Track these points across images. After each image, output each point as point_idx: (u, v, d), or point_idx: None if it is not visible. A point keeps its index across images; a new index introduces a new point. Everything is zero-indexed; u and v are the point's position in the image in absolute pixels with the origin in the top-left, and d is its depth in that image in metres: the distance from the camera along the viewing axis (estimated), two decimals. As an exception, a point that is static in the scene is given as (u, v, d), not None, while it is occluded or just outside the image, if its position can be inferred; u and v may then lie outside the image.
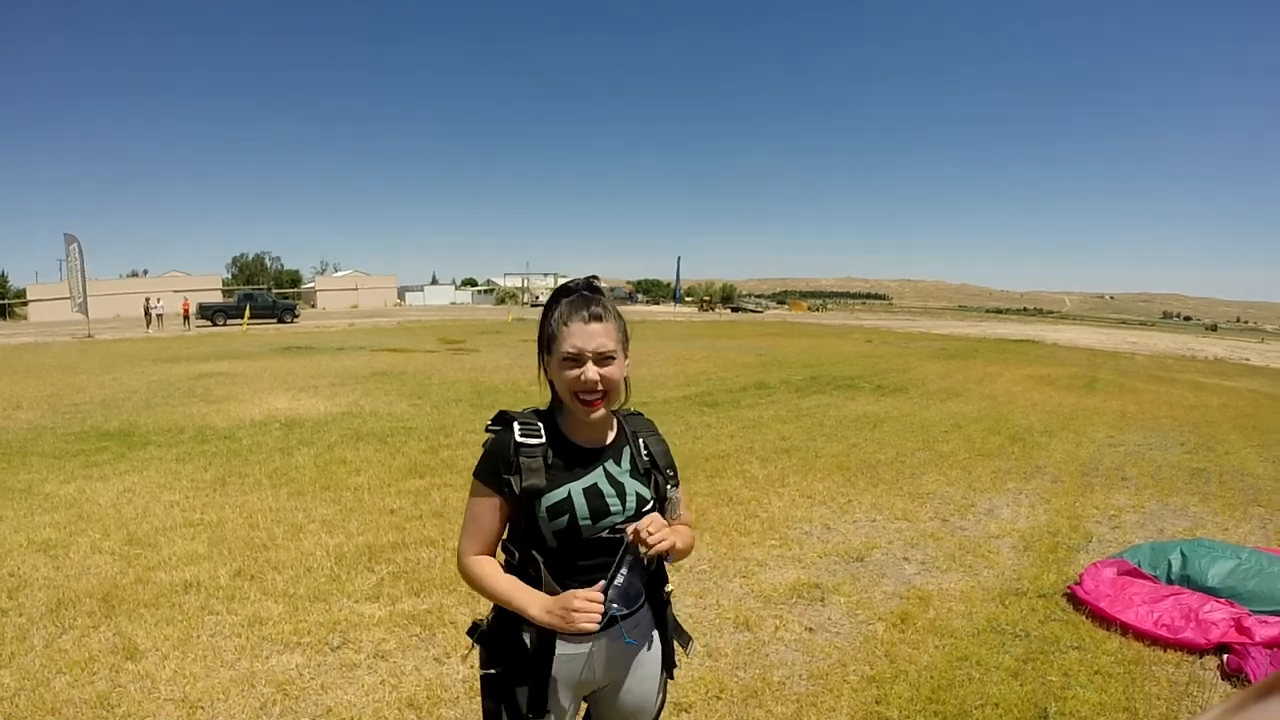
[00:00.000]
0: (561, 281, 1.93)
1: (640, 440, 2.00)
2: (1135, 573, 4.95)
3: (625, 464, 1.93)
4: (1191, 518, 6.86)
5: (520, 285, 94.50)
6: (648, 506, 1.91)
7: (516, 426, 1.84)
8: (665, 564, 2.03)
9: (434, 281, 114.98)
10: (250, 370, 16.93)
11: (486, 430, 1.91)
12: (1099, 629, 4.44)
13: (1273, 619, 4.24)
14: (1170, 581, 4.84)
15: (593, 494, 1.84)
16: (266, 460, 8.12)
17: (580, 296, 1.85)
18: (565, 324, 1.81)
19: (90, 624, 4.29)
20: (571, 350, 1.79)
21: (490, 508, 1.85)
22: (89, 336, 29.68)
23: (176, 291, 50.80)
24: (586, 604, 1.70)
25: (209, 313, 41.34)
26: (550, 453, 1.84)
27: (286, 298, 56.23)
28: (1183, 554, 4.98)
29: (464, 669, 3.84)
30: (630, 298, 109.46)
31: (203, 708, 3.49)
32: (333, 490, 6.98)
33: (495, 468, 1.83)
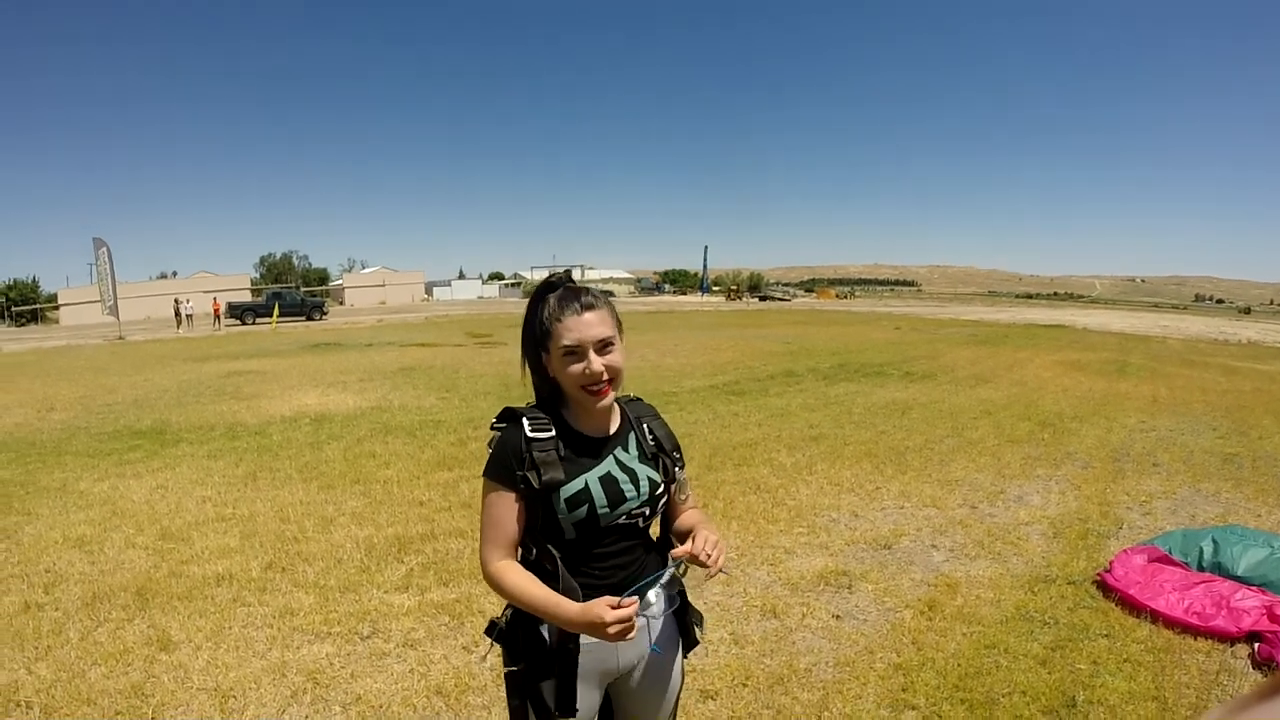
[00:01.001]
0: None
1: (644, 425, 2.01)
2: (1166, 560, 4.90)
3: (633, 450, 1.94)
4: (1224, 504, 6.77)
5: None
6: (659, 490, 1.93)
7: (526, 422, 1.83)
8: (668, 545, 2.06)
9: (461, 276, 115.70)
10: (280, 368, 17.11)
11: (492, 428, 1.90)
12: (1129, 616, 4.39)
13: (1306, 606, 4.19)
14: (1201, 569, 4.78)
15: (608, 482, 1.85)
16: (297, 455, 8.21)
17: (567, 290, 1.86)
18: (559, 319, 1.81)
19: (125, 617, 4.37)
20: (571, 343, 1.79)
21: (508, 507, 1.83)
22: (120, 338, 30.07)
23: (206, 292, 51.30)
24: (618, 619, 1.67)
25: (238, 312, 41.74)
26: (562, 445, 1.83)
27: (315, 295, 56.69)
28: (1214, 541, 4.92)
29: (492, 657, 3.86)
30: (658, 288, 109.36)
31: (235, 696, 3.55)
32: (362, 483, 7.04)
33: (509, 465, 1.82)
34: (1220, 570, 4.68)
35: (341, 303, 70.02)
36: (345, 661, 3.87)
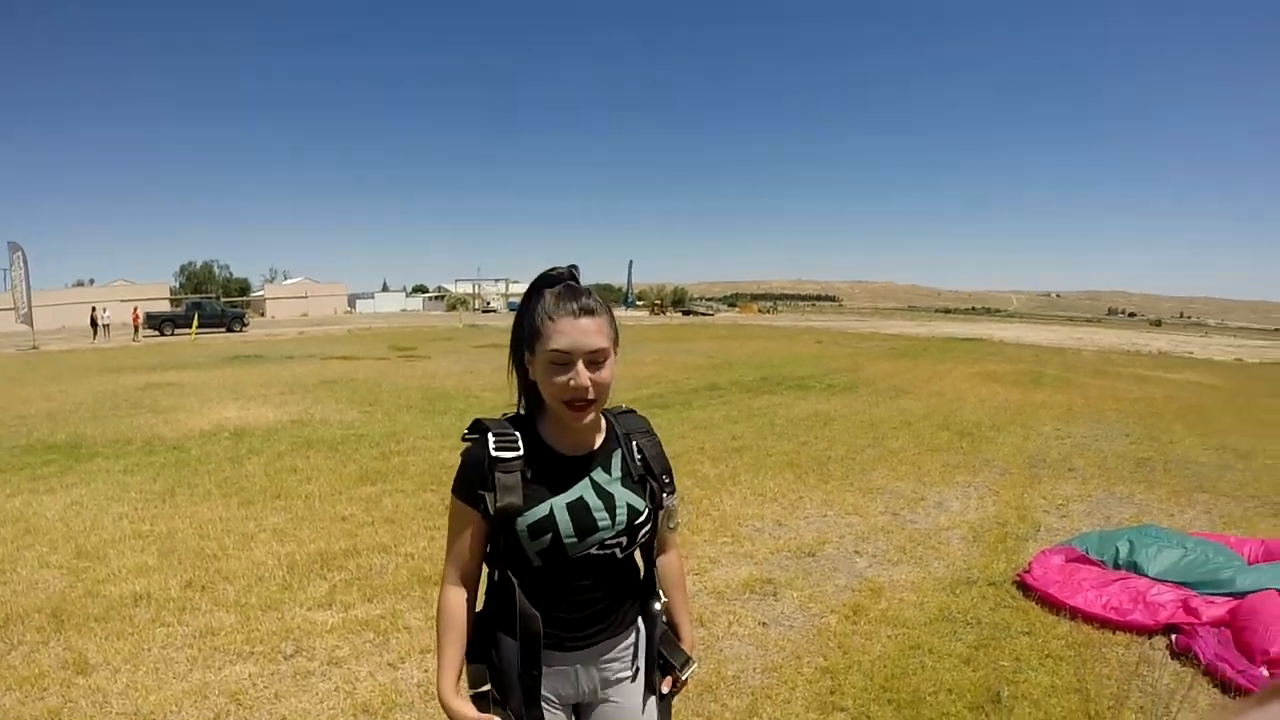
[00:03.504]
0: (531, 281, 1.77)
1: (634, 443, 1.81)
2: (1083, 559, 5.06)
3: (616, 471, 1.75)
4: (1138, 505, 7.03)
5: (471, 291, 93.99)
6: (641, 518, 1.74)
7: (491, 439, 1.66)
8: (655, 579, 1.90)
9: (385, 289, 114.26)
10: (199, 380, 16.66)
11: (463, 439, 1.74)
12: (1049, 614, 4.53)
13: (1219, 599, 4.37)
14: (1118, 567, 4.95)
15: (578, 509, 1.67)
16: (216, 470, 8.01)
17: (568, 288, 1.66)
18: (552, 319, 1.61)
19: (39, 639, 4.20)
20: (561, 349, 1.59)
21: (468, 526, 1.70)
22: (34, 348, 29.00)
23: (124, 301, 49.90)
24: None
25: (156, 322, 40.58)
26: (529, 466, 1.66)
27: (235, 306, 55.25)
28: (1130, 542, 5.09)
29: (418, 673, 3.83)
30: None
31: (155, 720, 3.45)
32: (283, 499, 6.90)
33: (470, 482, 1.67)
34: (1135, 569, 4.85)
35: (263, 314, 68.63)
36: (268, 681, 3.78)
